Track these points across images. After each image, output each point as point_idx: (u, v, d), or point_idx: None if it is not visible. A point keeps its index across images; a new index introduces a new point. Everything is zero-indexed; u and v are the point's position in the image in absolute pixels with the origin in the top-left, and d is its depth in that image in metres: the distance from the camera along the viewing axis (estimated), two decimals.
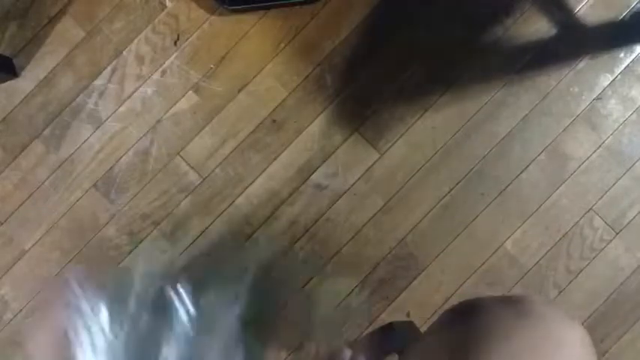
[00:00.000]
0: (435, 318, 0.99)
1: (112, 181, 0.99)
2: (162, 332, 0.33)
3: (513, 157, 1.00)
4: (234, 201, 0.99)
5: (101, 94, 0.99)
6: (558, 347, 0.39)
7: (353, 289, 0.99)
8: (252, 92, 0.99)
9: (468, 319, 0.44)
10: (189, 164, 0.99)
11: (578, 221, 1.00)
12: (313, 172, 0.99)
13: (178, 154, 0.99)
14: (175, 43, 1.00)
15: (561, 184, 1.00)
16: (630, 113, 1.00)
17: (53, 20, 0.99)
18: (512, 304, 0.44)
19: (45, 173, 0.98)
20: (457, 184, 1.00)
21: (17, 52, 0.99)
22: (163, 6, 1.00)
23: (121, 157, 0.99)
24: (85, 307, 0.32)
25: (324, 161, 0.99)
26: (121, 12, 0.99)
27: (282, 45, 1.00)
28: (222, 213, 0.99)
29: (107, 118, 0.99)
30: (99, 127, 0.99)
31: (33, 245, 0.98)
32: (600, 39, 1.00)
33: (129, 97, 0.99)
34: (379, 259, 0.99)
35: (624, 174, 1.00)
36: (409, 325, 0.97)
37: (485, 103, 1.00)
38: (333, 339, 0.98)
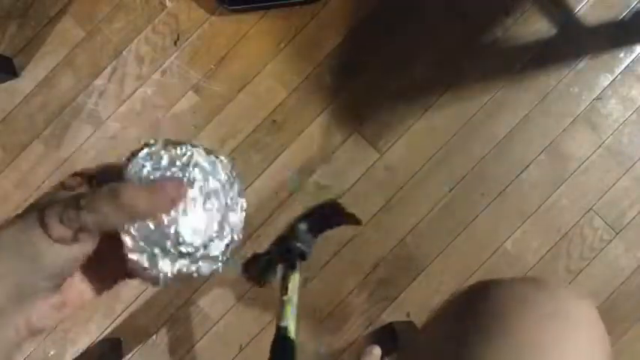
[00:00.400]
0: None
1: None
2: None
3: (513, 157, 1.00)
4: None
5: (101, 94, 0.99)
6: (566, 322, 0.39)
7: (353, 289, 0.99)
8: (252, 92, 0.99)
9: (481, 296, 0.44)
10: None
11: (578, 221, 1.00)
12: (313, 172, 0.99)
13: None
14: (175, 43, 0.99)
15: (561, 184, 1.00)
16: (630, 113, 1.00)
17: (53, 20, 0.99)
18: (527, 279, 0.44)
19: (45, 173, 0.98)
20: (457, 184, 1.00)
21: (17, 52, 0.99)
22: (163, 6, 1.00)
23: (121, 157, 0.99)
24: None
25: (324, 161, 0.99)
26: (121, 12, 0.99)
27: (282, 45, 1.00)
28: None
29: (107, 118, 0.99)
30: (99, 127, 0.99)
31: None
32: (600, 39, 1.00)
33: (129, 97, 0.99)
34: (379, 259, 0.99)
35: (624, 174, 1.00)
36: (409, 325, 0.97)
37: (485, 103, 1.00)
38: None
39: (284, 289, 0.61)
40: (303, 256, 0.65)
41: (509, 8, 1.00)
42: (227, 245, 0.30)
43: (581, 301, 0.42)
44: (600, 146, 1.00)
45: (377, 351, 0.73)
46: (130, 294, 0.98)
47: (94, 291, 0.30)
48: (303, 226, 0.67)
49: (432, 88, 1.00)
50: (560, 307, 0.40)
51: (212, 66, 0.99)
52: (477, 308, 0.43)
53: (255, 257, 0.70)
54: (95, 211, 0.25)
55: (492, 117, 1.00)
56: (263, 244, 0.99)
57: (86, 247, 0.26)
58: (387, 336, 0.98)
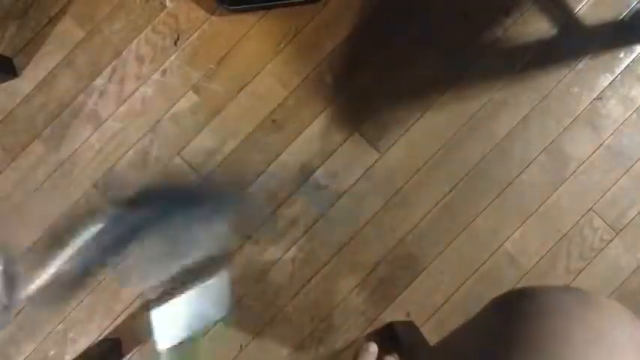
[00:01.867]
0: (435, 318, 0.99)
1: (112, 181, 0.99)
2: None
3: (513, 157, 1.00)
4: None
5: (101, 94, 0.99)
6: (613, 348, 0.35)
7: (353, 289, 0.99)
8: (252, 92, 0.99)
9: (522, 303, 0.40)
10: (189, 164, 0.99)
11: (578, 221, 1.00)
12: (313, 172, 0.99)
13: (178, 154, 0.99)
14: (175, 43, 1.00)
15: (561, 184, 1.00)
16: (630, 113, 1.00)
17: (53, 20, 0.99)
18: (571, 291, 0.40)
19: (45, 173, 0.98)
20: (457, 184, 1.00)
21: (17, 52, 0.99)
22: (163, 6, 1.00)
23: (121, 157, 0.99)
24: None
25: (324, 161, 0.99)
26: (121, 12, 0.99)
27: (282, 45, 1.00)
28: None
29: (107, 118, 0.99)
30: (99, 127, 0.99)
31: (33, 245, 0.98)
32: (600, 39, 1.00)
33: (129, 97, 0.99)
34: (379, 259, 0.99)
35: (624, 174, 1.00)
36: (409, 325, 0.97)
37: (486, 103, 1.00)
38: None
39: None
40: None
41: (509, 8, 1.00)
42: None
43: (628, 323, 0.38)
44: (600, 146, 1.00)
45: (373, 348, 0.73)
46: (130, 294, 0.98)
47: None
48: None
49: (432, 88, 1.00)
50: (607, 332, 0.36)
51: (212, 66, 0.99)
52: (512, 320, 0.39)
53: None
54: None
55: (492, 117, 1.00)
56: (262, 246, 0.99)
57: None
58: (387, 336, 0.98)
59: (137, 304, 0.98)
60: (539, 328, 0.37)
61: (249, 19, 0.99)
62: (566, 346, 0.35)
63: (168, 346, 0.33)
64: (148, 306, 0.37)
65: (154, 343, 0.32)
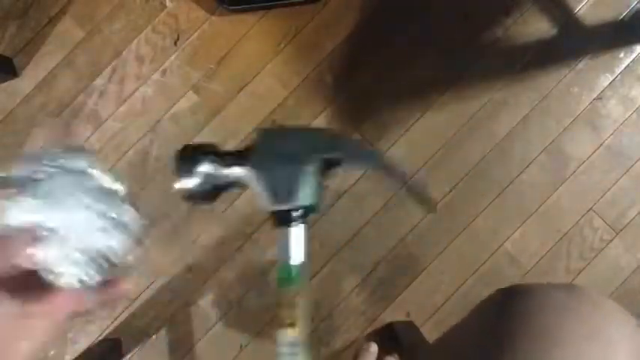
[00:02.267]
0: (435, 318, 0.99)
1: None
2: None
3: (513, 157, 1.00)
4: (234, 201, 0.99)
5: (101, 94, 0.99)
6: (607, 345, 0.35)
7: (353, 289, 0.99)
8: (252, 92, 0.99)
9: (516, 300, 0.40)
10: None
11: (578, 221, 1.00)
12: None
13: None
14: (175, 43, 0.99)
15: (561, 184, 1.00)
16: (630, 113, 1.00)
17: (53, 20, 0.99)
18: (565, 287, 0.40)
19: None
20: (457, 184, 1.00)
21: (17, 52, 0.99)
22: (163, 6, 1.00)
23: (121, 157, 0.99)
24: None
25: None
26: (121, 12, 0.99)
27: (282, 45, 1.00)
28: (222, 213, 0.99)
29: (107, 118, 0.99)
30: (99, 127, 0.99)
31: None
32: (600, 39, 1.00)
33: (129, 97, 0.99)
34: (379, 259, 0.99)
35: (624, 174, 1.00)
36: (409, 325, 0.97)
37: (486, 103, 1.00)
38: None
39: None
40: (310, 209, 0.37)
41: (509, 8, 1.00)
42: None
43: (622, 320, 0.38)
44: (600, 146, 1.00)
45: (374, 348, 0.72)
46: (129, 294, 0.98)
47: None
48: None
49: (432, 88, 1.00)
50: (601, 328, 0.36)
51: (212, 66, 0.99)
52: (507, 317, 0.39)
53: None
54: None
55: (492, 117, 1.00)
56: (262, 245, 0.99)
57: None
58: (387, 336, 0.98)
59: (137, 304, 0.98)
60: (534, 325, 0.37)
61: (249, 19, 0.99)
62: (560, 341, 0.35)
63: (299, 262, 0.35)
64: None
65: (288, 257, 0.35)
